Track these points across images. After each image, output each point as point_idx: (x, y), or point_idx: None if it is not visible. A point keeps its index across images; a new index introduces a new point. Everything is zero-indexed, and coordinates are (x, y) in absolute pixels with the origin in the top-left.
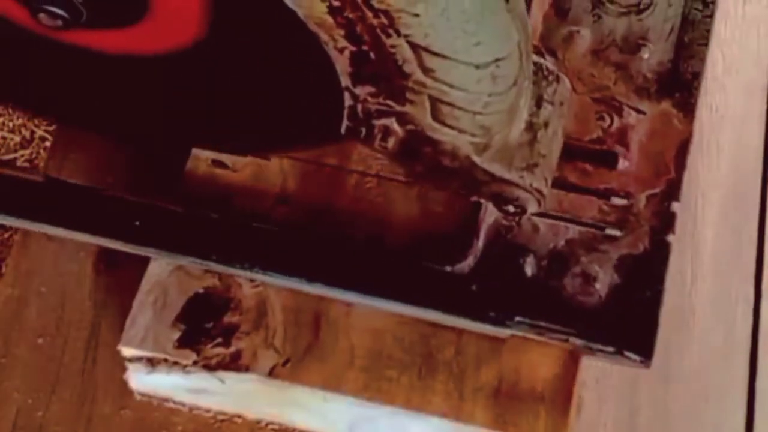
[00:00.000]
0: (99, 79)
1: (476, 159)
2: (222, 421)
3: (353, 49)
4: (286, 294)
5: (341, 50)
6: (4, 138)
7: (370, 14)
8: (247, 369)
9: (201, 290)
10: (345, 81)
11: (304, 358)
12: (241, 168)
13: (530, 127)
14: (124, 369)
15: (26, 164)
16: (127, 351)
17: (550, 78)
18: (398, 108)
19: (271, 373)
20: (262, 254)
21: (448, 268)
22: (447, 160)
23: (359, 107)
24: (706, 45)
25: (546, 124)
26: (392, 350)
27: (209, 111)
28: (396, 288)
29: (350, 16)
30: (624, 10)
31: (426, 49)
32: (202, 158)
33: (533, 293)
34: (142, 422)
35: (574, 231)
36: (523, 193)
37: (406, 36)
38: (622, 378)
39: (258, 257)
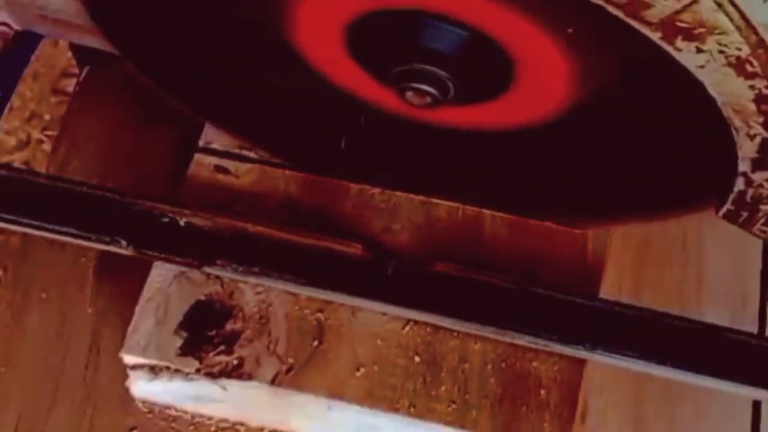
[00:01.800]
0: (458, 153)
1: None
2: (224, 429)
3: (767, 136)
4: (289, 301)
5: (752, 137)
6: (0, 141)
7: None
8: (249, 377)
9: (203, 297)
10: (743, 166)
11: (307, 365)
12: (244, 174)
13: None
14: (125, 376)
15: (23, 166)
16: (129, 358)
17: None
18: None
19: (274, 381)
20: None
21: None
22: None
23: (750, 192)
24: None
25: None
26: (396, 358)
27: (572, 181)
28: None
29: None
30: None
31: None
32: (204, 164)
33: None
34: (143, 430)
35: None
36: None
37: None
38: (628, 386)
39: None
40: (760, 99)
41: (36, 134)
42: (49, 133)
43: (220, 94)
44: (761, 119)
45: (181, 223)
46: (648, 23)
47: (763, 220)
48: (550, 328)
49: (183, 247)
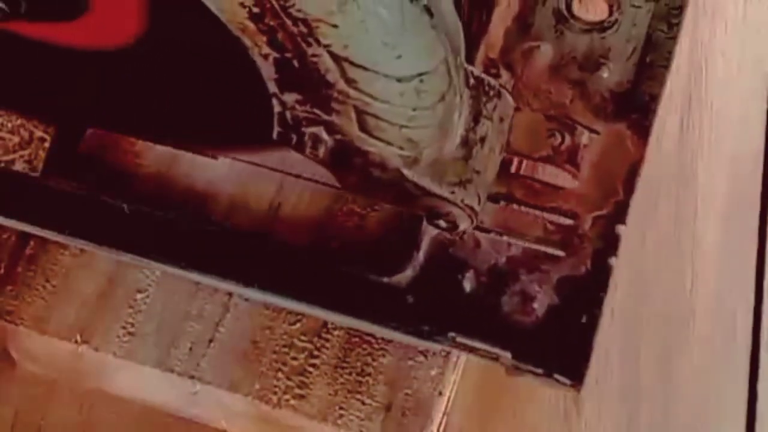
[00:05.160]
0: (40, 66)
1: (406, 172)
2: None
3: (277, 56)
4: None
5: (266, 56)
6: (2, 139)
7: (289, 22)
8: None
9: None
10: (272, 87)
11: None
12: None
13: (465, 142)
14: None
15: (25, 165)
16: None
17: (491, 93)
18: (325, 117)
19: None
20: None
21: (386, 279)
22: (377, 172)
23: (288, 114)
24: (667, 67)
25: (483, 140)
26: None
27: (150, 105)
28: (329, 295)
29: (271, 23)
30: (587, 27)
31: (347, 60)
32: None
33: (469, 309)
34: (141, 426)
35: (516, 248)
36: (454, 208)
37: (326, 46)
38: (622, 380)
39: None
40: (254, 18)
41: (38, 133)
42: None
43: None
44: (265, 38)
45: None
46: None
47: (311, 144)
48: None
49: None
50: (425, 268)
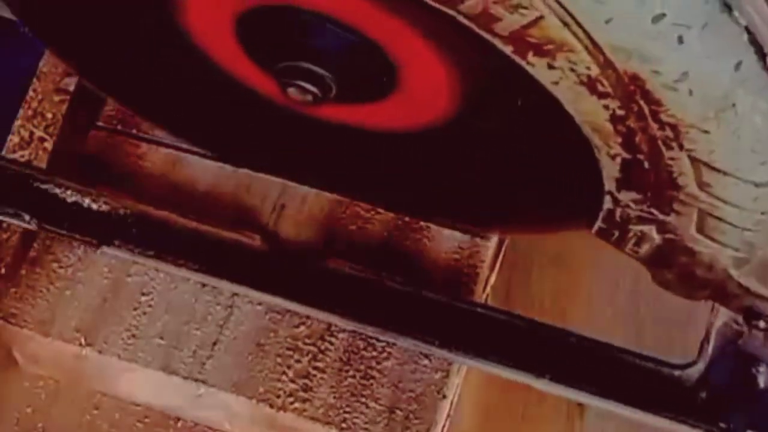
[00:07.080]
0: (341, 148)
1: (733, 272)
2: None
3: (627, 156)
4: None
5: (613, 156)
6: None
7: (654, 126)
8: None
9: None
10: (609, 185)
11: None
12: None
13: None
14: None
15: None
16: None
17: None
18: (661, 217)
19: None
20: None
21: (677, 373)
22: (701, 271)
23: (618, 212)
24: None
25: None
26: None
27: (452, 185)
28: (621, 390)
29: (632, 125)
30: None
31: (707, 165)
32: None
33: (766, 406)
34: (145, 428)
35: None
36: None
37: (688, 150)
38: None
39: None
40: (615, 119)
41: (38, 132)
42: (51, 130)
43: (124, 74)
44: (620, 140)
45: (85, 203)
46: (499, 36)
47: (634, 240)
48: (432, 332)
49: (85, 226)
50: (715, 362)
